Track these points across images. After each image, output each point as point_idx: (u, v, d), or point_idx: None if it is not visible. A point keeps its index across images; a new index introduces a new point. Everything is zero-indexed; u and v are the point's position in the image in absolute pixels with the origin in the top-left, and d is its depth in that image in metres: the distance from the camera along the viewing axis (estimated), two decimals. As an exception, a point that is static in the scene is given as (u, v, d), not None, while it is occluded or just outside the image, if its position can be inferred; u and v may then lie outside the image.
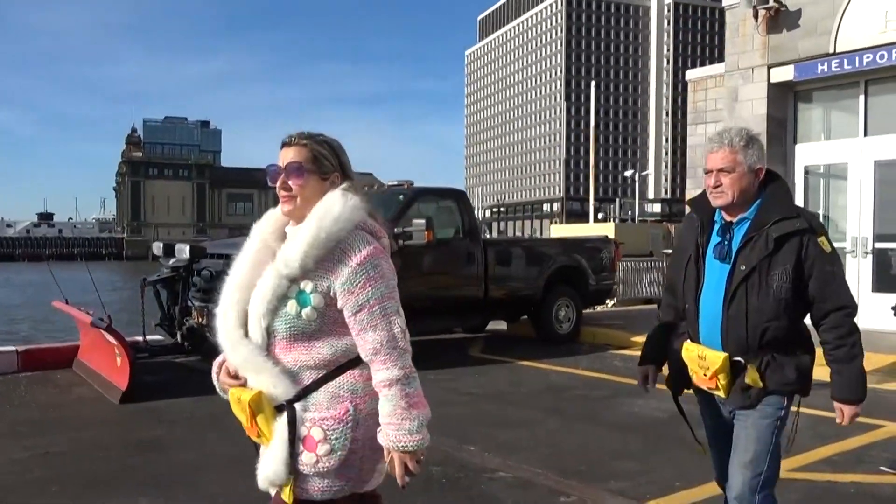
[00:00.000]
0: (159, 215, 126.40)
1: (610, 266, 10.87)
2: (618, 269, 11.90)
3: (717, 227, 2.57)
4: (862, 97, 9.32)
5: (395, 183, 9.54)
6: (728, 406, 2.57)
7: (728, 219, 2.53)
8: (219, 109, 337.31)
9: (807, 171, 9.94)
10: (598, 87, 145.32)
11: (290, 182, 1.95)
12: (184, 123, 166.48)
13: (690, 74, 14.22)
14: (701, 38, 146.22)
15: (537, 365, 8.36)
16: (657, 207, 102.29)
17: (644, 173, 70.15)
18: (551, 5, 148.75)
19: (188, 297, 7.76)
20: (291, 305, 1.88)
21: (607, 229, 16.55)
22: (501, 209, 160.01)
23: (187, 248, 7.80)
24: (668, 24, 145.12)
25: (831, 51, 9.16)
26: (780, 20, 9.59)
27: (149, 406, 6.38)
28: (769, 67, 9.76)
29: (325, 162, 1.98)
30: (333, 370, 1.91)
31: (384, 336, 1.85)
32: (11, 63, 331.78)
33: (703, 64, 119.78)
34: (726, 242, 2.51)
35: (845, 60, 9.04)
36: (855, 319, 2.46)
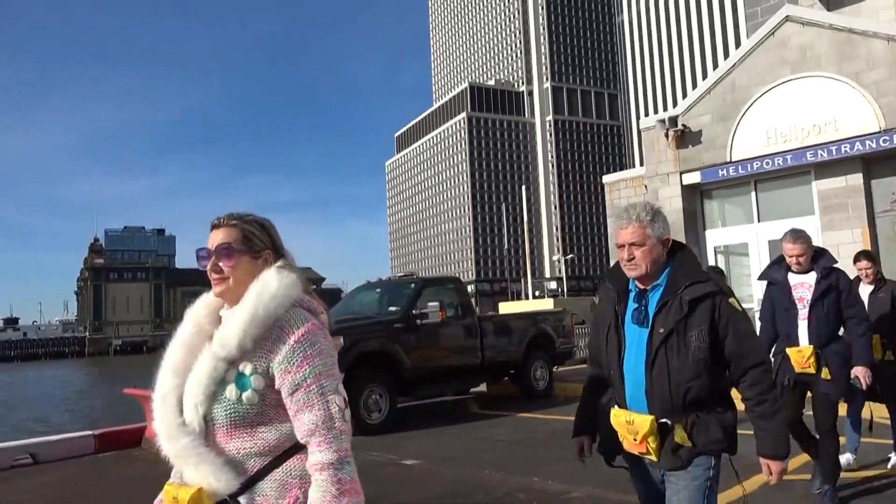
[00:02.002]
0: (119, 314, 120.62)
1: (570, 332, 11.58)
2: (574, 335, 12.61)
3: (632, 294, 2.38)
4: (753, 193, 10.56)
5: (403, 275, 10.04)
6: (660, 468, 2.30)
7: (641, 287, 2.35)
8: (171, 217, 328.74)
9: (716, 250, 11.04)
10: (497, 186, 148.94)
11: (220, 264, 1.65)
12: (141, 232, 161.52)
13: (606, 179, 15.46)
14: (578, 146, 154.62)
15: (535, 416, 8.79)
16: (553, 284, 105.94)
17: (568, 256, 72.73)
18: (456, 123, 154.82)
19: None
20: (230, 390, 1.54)
21: (546, 304, 17.35)
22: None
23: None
24: (550, 136, 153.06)
25: (728, 160, 10.41)
26: (686, 138, 10.85)
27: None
28: (681, 173, 10.94)
29: (256, 241, 1.69)
30: (279, 456, 1.55)
31: (320, 416, 1.51)
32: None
33: (579, 165, 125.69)
34: (643, 308, 2.32)
35: (739, 167, 10.28)
36: (771, 376, 2.30)
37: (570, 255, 77.44)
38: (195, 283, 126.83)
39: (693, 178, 10.83)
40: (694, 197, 11.17)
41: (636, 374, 2.29)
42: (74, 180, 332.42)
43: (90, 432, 8.06)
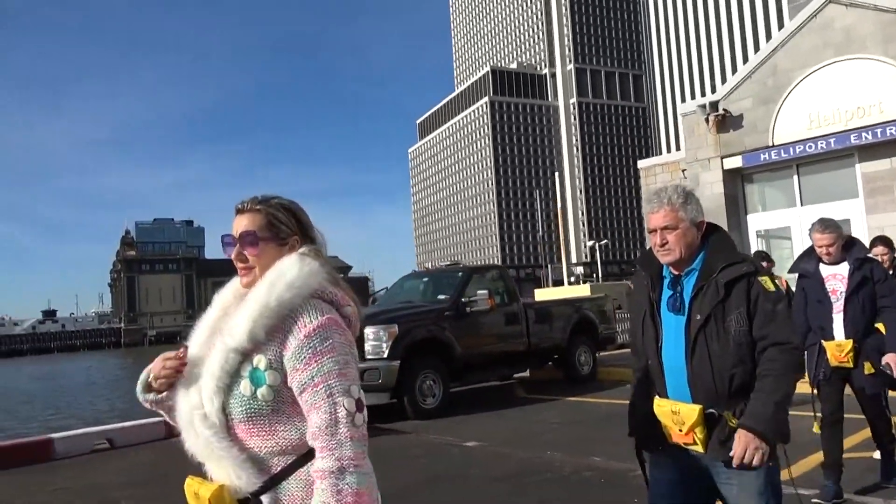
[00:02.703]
0: (152, 305, 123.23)
1: (611, 317, 11.75)
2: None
3: (666, 281, 2.30)
4: (795, 177, 10.61)
5: (450, 263, 10.30)
6: (707, 460, 2.19)
7: (676, 272, 2.27)
8: (200, 209, 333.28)
9: (758, 234, 11.12)
10: (521, 171, 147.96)
11: (245, 252, 1.56)
12: (171, 224, 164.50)
13: (641, 164, 15.50)
14: (603, 129, 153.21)
15: (584, 399, 9.01)
16: (580, 269, 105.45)
17: (602, 242, 72.41)
18: (479, 108, 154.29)
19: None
20: (245, 385, 1.45)
21: (583, 290, 17.48)
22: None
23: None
24: (574, 119, 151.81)
25: (770, 144, 10.46)
26: (726, 122, 10.91)
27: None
28: (722, 158, 11.02)
29: (282, 226, 1.58)
30: (304, 454, 1.45)
31: (324, 419, 1.39)
32: (10, 180, 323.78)
33: (605, 149, 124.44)
34: (678, 294, 2.24)
35: (782, 151, 10.33)
36: (795, 359, 2.15)
37: (605, 241, 77.10)
38: (225, 273, 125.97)
39: (734, 162, 10.89)
40: (735, 181, 11.23)
41: (676, 364, 2.21)
42: (104, 173, 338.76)
43: (161, 419, 8.47)
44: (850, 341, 4.03)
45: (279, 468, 1.46)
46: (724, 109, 10.80)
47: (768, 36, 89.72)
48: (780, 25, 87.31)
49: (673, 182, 14.03)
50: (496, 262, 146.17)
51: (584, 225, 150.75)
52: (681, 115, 11.64)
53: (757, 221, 11.12)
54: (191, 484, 1.51)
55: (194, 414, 1.47)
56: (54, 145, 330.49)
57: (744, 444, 2.05)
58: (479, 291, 9.09)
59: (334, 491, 1.37)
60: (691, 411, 2.14)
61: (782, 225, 10.88)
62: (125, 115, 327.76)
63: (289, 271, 1.50)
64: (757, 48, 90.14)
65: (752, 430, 2.06)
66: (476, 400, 9.67)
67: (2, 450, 7.29)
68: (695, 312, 2.17)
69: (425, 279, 10.51)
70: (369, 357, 8.14)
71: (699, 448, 2.16)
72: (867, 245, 4.86)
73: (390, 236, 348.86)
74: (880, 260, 4.93)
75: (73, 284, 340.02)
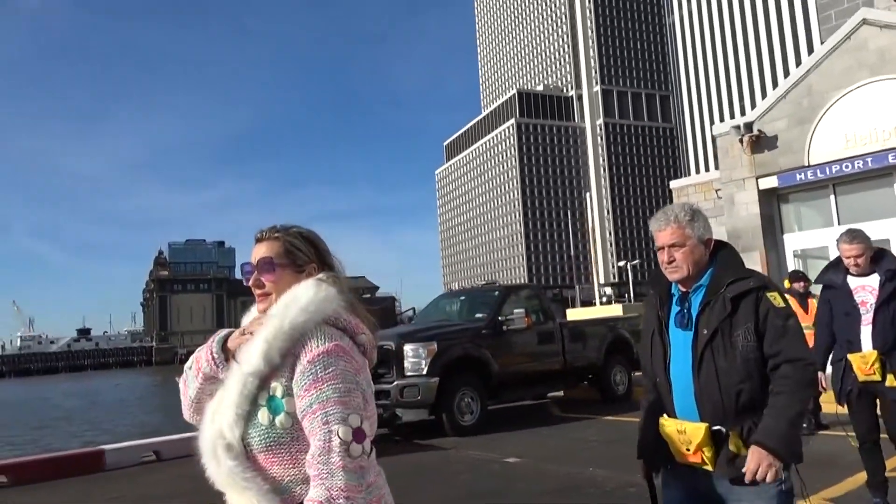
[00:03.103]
0: (184, 324, 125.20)
1: (646, 337, 11.72)
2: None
3: (675, 298, 2.30)
4: (832, 196, 10.57)
5: (486, 283, 10.45)
6: (716, 478, 2.14)
7: (684, 289, 2.27)
8: (230, 229, 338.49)
9: (794, 254, 11.06)
10: (547, 192, 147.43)
11: (262, 279, 1.57)
12: (203, 245, 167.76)
13: (674, 184, 15.51)
14: (630, 149, 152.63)
15: (620, 418, 8.98)
16: (608, 290, 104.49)
17: (634, 262, 71.73)
18: (505, 129, 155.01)
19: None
20: (263, 414, 1.44)
21: (615, 310, 17.43)
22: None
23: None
24: (601, 140, 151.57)
25: (805, 163, 10.46)
26: (761, 143, 10.94)
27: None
28: (757, 178, 11.03)
29: (300, 254, 1.60)
30: None
31: (319, 447, 1.37)
32: (48, 200, 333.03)
33: (632, 169, 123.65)
34: (685, 310, 2.24)
35: (818, 171, 10.33)
36: (808, 376, 2.10)
37: (636, 261, 76.23)
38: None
39: (770, 182, 10.90)
40: (771, 201, 11.22)
41: (684, 380, 2.18)
42: (137, 194, 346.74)
43: (206, 433, 8.71)
44: (875, 352, 3.87)
45: (303, 498, 1.41)
46: (759, 130, 10.83)
47: (797, 55, 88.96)
48: (809, 44, 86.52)
49: (710, 205, 14.03)
50: (523, 282, 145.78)
51: (611, 245, 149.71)
52: (715, 136, 11.70)
53: (794, 241, 11.08)
54: None
55: (218, 443, 1.45)
56: (90, 167, 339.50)
57: (756, 460, 2.01)
58: (516, 310, 9.20)
59: None
60: (697, 430, 2.12)
61: (819, 245, 10.81)
62: (158, 138, 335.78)
63: (303, 295, 1.50)
64: (786, 67, 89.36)
65: (764, 446, 2.02)
66: (512, 418, 9.72)
67: (58, 460, 7.58)
68: (702, 327, 2.16)
69: (461, 298, 10.65)
70: (409, 374, 8.28)
71: (708, 467, 2.13)
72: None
73: (417, 257, 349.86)
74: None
75: (107, 303, 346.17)
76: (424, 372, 8.24)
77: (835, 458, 4.06)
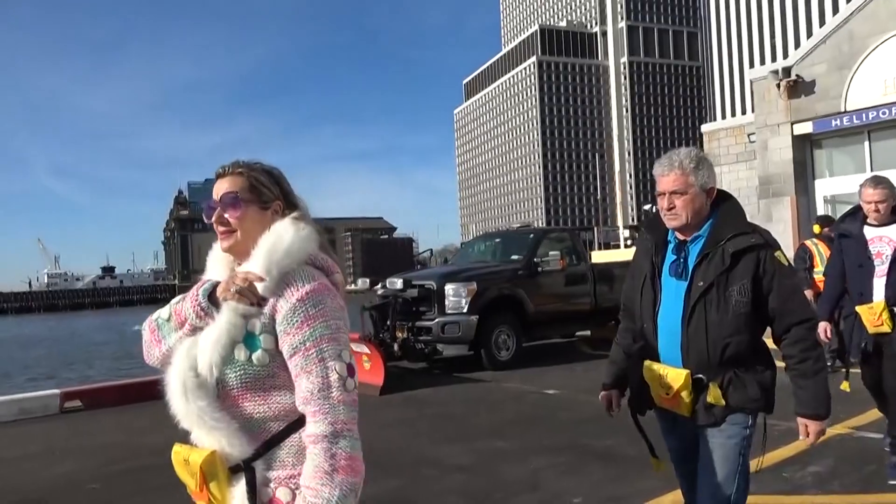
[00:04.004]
0: (205, 262, 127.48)
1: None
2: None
3: (671, 246, 2.27)
4: (867, 143, 10.67)
5: (520, 225, 10.81)
6: (692, 424, 2.22)
7: (682, 238, 2.25)
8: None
9: (825, 200, 11.24)
10: (568, 133, 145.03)
11: (226, 215, 1.51)
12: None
13: (705, 128, 15.56)
14: (655, 89, 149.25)
15: (649, 355, 9.48)
16: (627, 233, 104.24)
17: (647, 207, 71.09)
18: (526, 68, 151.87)
19: (396, 317, 8.85)
20: (240, 350, 1.42)
21: (640, 252, 17.71)
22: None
23: (400, 281, 9.01)
24: (625, 79, 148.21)
25: (842, 110, 10.52)
26: (798, 89, 10.97)
27: (400, 395, 7.43)
28: (792, 124, 11.12)
29: (265, 190, 1.54)
30: (297, 419, 1.43)
31: (317, 384, 1.38)
32: (68, 140, 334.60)
33: (656, 109, 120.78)
34: (682, 260, 2.22)
35: (854, 117, 10.40)
36: (816, 334, 2.20)
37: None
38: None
39: (805, 128, 11.00)
40: (804, 147, 11.34)
41: (672, 329, 2.20)
42: (154, 134, 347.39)
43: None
44: (883, 302, 3.75)
45: (272, 434, 1.43)
46: (797, 75, 10.86)
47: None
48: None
49: (741, 150, 14.11)
50: (541, 224, 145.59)
51: (631, 188, 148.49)
52: (751, 81, 11.73)
53: (825, 187, 11.24)
54: (179, 451, 1.46)
55: (188, 381, 1.43)
56: (106, 106, 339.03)
57: (816, 433, 2.16)
58: (552, 252, 9.58)
59: (328, 455, 1.35)
60: (678, 375, 2.15)
61: (850, 191, 10.93)
62: (173, 77, 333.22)
63: (284, 237, 1.47)
64: (821, 7, 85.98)
65: (815, 416, 2.15)
66: (544, 355, 10.22)
67: (127, 387, 8.20)
68: (697, 279, 2.15)
69: (497, 240, 11.04)
70: (449, 312, 8.76)
71: (684, 411, 2.18)
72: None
73: (434, 198, 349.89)
74: None
75: (129, 242, 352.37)
76: (465, 310, 8.71)
77: (855, 392, 4.41)
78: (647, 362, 2.27)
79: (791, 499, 3.79)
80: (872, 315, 3.79)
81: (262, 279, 1.44)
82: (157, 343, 1.54)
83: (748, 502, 2.29)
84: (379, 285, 9.62)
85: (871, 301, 3.81)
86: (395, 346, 8.62)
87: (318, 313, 1.41)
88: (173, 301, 1.57)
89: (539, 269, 9.56)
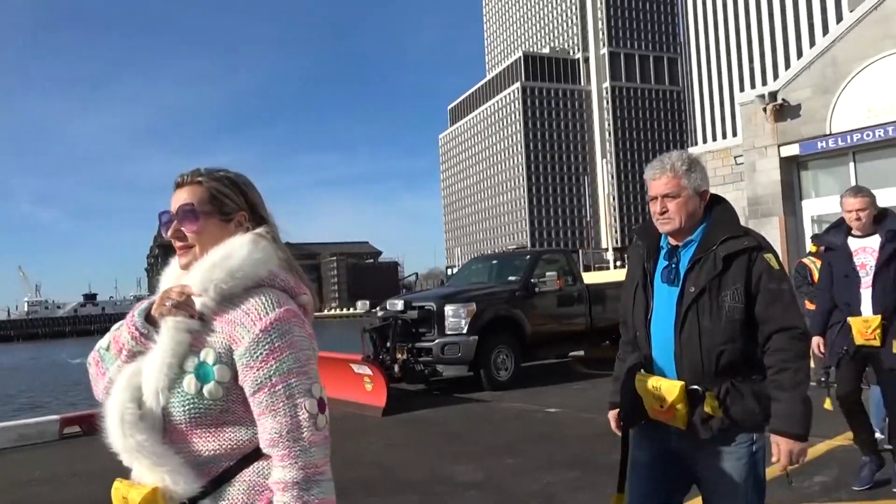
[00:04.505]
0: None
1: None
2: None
3: (663, 251, 2.20)
4: (851, 164, 10.97)
5: (516, 247, 10.94)
6: (690, 438, 2.08)
7: (674, 243, 2.18)
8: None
9: (812, 220, 11.50)
10: (552, 157, 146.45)
11: (183, 229, 1.39)
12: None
13: (692, 150, 15.84)
14: (636, 113, 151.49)
15: (646, 374, 9.58)
16: (610, 255, 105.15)
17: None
18: (511, 93, 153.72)
19: (396, 339, 8.90)
20: (189, 382, 1.28)
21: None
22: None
23: (400, 302, 9.08)
24: (607, 103, 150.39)
25: (827, 132, 10.83)
26: (784, 112, 11.29)
27: (403, 416, 7.47)
28: (779, 146, 11.41)
29: (227, 201, 1.42)
30: (250, 454, 1.31)
31: (284, 424, 1.26)
32: (54, 168, 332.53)
33: (638, 133, 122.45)
34: (674, 266, 2.15)
35: (839, 139, 10.70)
36: (804, 346, 2.05)
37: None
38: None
39: (791, 150, 11.29)
40: (791, 168, 11.63)
41: (664, 337, 2.12)
42: (140, 160, 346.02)
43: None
44: (878, 317, 3.76)
45: (222, 470, 1.30)
46: (783, 99, 11.18)
47: (809, 19, 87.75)
48: (822, 6, 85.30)
49: (728, 173, 14.41)
50: (526, 247, 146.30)
51: (615, 210, 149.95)
52: (739, 104, 12.04)
53: (812, 207, 11.51)
54: (119, 488, 1.32)
55: (125, 413, 1.28)
56: (93, 135, 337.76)
57: (787, 452, 2.00)
58: (548, 273, 9.71)
59: (300, 503, 1.24)
60: (673, 387, 2.05)
61: (836, 210, 11.18)
62: (160, 104, 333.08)
63: (236, 255, 1.34)
64: (797, 31, 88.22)
65: (788, 434, 2.00)
66: (541, 375, 10.29)
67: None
68: (689, 285, 2.08)
69: (494, 262, 11.16)
70: (449, 332, 8.83)
71: (679, 425, 2.07)
72: None
73: (420, 223, 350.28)
74: None
75: (112, 269, 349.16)
76: (464, 331, 8.78)
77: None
78: (639, 374, 2.18)
79: (803, 506, 3.88)
80: (866, 328, 3.81)
81: (198, 296, 1.31)
82: (102, 375, 1.39)
83: None
84: (379, 307, 9.69)
85: (858, 311, 3.85)
86: (396, 368, 8.66)
87: (285, 344, 1.28)
88: (114, 327, 1.43)
89: (536, 289, 9.69)
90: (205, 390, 1.28)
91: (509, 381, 9.05)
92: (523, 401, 8.05)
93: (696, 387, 2.04)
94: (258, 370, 1.27)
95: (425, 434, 6.60)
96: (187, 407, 1.28)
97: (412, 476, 5.03)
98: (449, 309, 8.87)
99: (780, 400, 2.00)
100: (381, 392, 7.65)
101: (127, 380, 1.32)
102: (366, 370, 7.81)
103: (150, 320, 1.35)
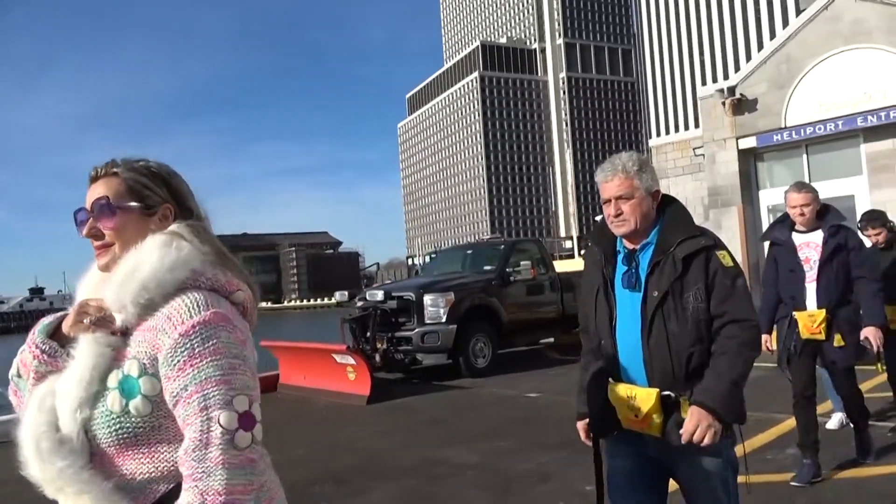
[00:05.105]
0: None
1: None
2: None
3: (620, 256, 2.18)
4: (805, 156, 11.54)
5: (491, 237, 11.18)
6: (665, 444, 2.07)
7: (631, 246, 2.16)
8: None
9: (769, 209, 12.06)
10: (511, 146, 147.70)
11: (99, 226, 1.26)
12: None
13: (653, 142, 16.41)
14: (592, 103, 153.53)
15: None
16: (568, 244, 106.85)
17: (600, 216, 72.70)
18: (468, 83, 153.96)
19: (376, 328, 9.05)
20: (114, 399, 1.14)
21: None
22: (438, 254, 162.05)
23: (380, 292, 9.23)
24: (564, 93, 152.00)
25: (782, 125, 11.37)
26: (742, 106, 11.79)
27: (387, 405, 7.63)
28: (737, 139, 11.92)
29: (148, 192, 1.29)
30: None
31: (194, 439, 1.11)
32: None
33: (594, 123, 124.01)
34: (633, 270, 2.12)
35: (793, 132, 11.24)
36: (753, 337, 2.05)
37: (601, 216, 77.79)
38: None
39: (749, 142, 11.80)
40: (748, 160, 12.15)
41: (631, 343, 2.09)
42: (84, 150, 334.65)
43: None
44: (823, 311, 3.84)
45: (159, 495, 1.16)
46: (741, 94, 11.67)
47: (756, 10, 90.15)
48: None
49: (688, 163, 14.95)
50: (486, 236, 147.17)
51: (573, 199, 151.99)
52: (700, 99, 12.51)
53: (768, 197, 12.07)
54: None
55: (41, 439, 1.15)
56: (35, 123, 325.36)
57: (696, 421, 1.96)
58: (523, 262, 9.99)
59: None
60: (648, 395, 2.04)
61: (791, 200, 11.80)
62: (104, 92, 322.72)
63: (145, 263, 1.19)
64: (745, 24, 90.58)
65: (704, 406, 1.97)
66: (516, 362, 10.59)
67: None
68: (651, 289, 2.06)
69: (468, 251, 11.40)
70: (429, 322, 9.04)
71: (655, 432, 2.06)
72: (857, 223, 4.82)
73: (379, 212, 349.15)
74: (874, 240, 4.87)
75: (60, 262, 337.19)
76: (443, 320, 9.00)
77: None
78: (611, 383, 2.15)
79: (780, 476, 4.18)
80: (812, 322, 3.86)
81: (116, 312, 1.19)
82: (18, 405, 1.26)
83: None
84: (358, 297, 9.82)
85: (803, 306, 3.90)
86: (377, 357, 8.83)
87: (206, 351, 1.14)
88: (19, 350, 1.28)
89: (511, 278, 9.96)
90: (131, 406, 1.14)
91: (487, 369, 9.31)
92: (502, 386, 8.31)
93: (669, 393, 2.04)
94: (175, 379, 1.13)
95: (412, 421, 6.79)
96: (113, 427, 1.14)
97: (407, 461, 5.23)
98: (428, 298, 9.07)
99: (709, 376, 2.01)
100: (365, 381, 7.81)
101: (38, 402, 1.19)
102: (349, 360, 7.94)
103: (59, 335, 1.22)
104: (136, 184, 1.28)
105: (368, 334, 8.87)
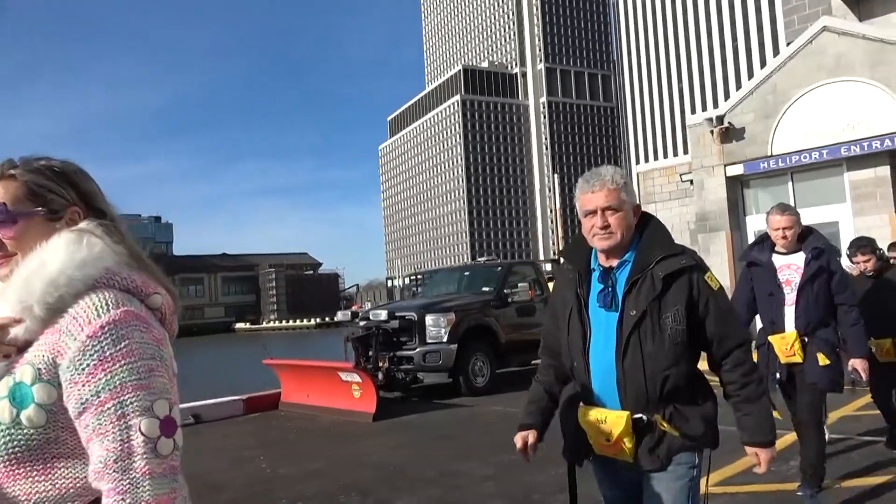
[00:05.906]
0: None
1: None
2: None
3: (595, 274, 2.10)
4: (790, 183, 12.01)
5: (487, 259, 11.48)
6: (637, 469, 2.05)
7: (607, 264, 2.09)
8: (164, 204, 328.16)
9: (755, 234, 12.48)
10: (492, 169, 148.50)
11: None
12: (138, 220, 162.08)
13: (639, 168, 16.87)
14: (572, 127, 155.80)
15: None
16: (548, 266, 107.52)
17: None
18: (450, 106, 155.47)
19: (378, 348, 9.22)
20: (3, 409, 1.05)
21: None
22: (419, 276, 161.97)
23: (383, 312, 9.42)
24: (544, 118, 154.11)
25: (769, 154, 11.83)
26: (730, 134, 12.25)
27: (393, 422, 7.75)
28: (725, 166, 12.37)
29: (52, 196, 1.17)
30: (96, 500, 1.06)
31: (114, 451, 1.02)
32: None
33: (574, 147, 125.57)
34: (609, 288, 2.04)
35: (779, 160, 11.71)
36: (751, 353, 2.11)
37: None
38: (195, 269, 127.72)
39: (736, 170, 12.25)
40: (736, 187, 12.60)
41: (605, 365, 2.03)
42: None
43: (239, 397, 9.42)
44: (795, 333, 3.79)
45: None
46: (729, 122, 12.14)
47: (733, 39, 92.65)
48: (746, 26, 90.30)
49: (674, 189, 15.38)
50: (467, 258, 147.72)
51: (552, 223, 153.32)
52: (689, 127, 12.96)
53: (755, 223, 12.50)
54: None
55: None
56: (10, 142, 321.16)
57: (767, 461, 2.08)
58: (521, 284, 10.26)
59: None
60: (619, 419, 1.98)
61: (777, 226, 12.23)
62: (84, 112, 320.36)
63: (53, 259, 1.11)
64: (723, 52, 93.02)
65: (762, 444, 2.07)
66: (512, 381, 10.78)
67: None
68: (629, 308, 2.00)
69: (465, 273, 11.65)
70: (430, 341, 9.25)
71: (627, 457, 2.03)
72: (844, 251, 4.91)
73: (360, 234, 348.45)
74: (862, 267, 4.89)
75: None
76: (444, 339, 9.21)
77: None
78: (582, 408, 2.08)
79: (787, 485, 4.42)
80: (785, 345, 3.81)
81: (19, 321, 1.09)
82: None
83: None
84: (360, 317, 10.00)
85: (783, 330, 3.84)
86: (380, 376, 8.98)
87: (119, 353, 1.05)
88: None
89: (509, 299, 10.22)
90: (23, 417, 1.05)
91: (486, 387, 9.51)
92: (503, 404, 8.50)
93: (641, 416, 2.00)
94: (83, 386, 1.04)
95: (422, 436, 6.95)
96: (2, 440, 1.05)
97: (425, 473, 5.40)
98: (430, 318, 9.28)
99: (749, 414, 2.05)
100: (371, 398, 7.96)
101: None
102: (355, 378, 8.10)
103: None
104: (37, 186, 1.17)
105: (371, 353, 9.04)
